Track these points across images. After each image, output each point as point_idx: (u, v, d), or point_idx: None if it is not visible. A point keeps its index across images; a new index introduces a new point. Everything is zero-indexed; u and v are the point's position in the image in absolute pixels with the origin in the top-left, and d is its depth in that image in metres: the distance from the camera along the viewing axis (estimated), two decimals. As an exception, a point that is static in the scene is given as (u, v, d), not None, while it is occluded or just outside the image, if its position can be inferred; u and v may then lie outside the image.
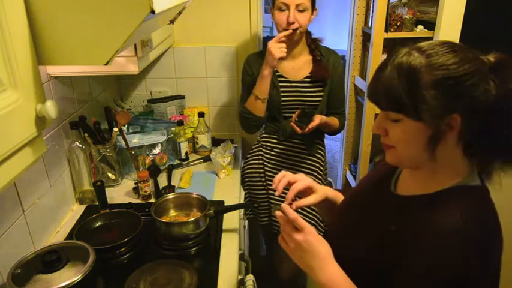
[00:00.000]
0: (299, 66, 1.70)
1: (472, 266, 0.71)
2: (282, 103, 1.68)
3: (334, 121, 1.73)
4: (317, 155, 1.81)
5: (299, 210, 1.72)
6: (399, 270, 0.76)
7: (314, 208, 1.74)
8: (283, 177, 1.04)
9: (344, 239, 0.95)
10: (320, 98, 1.69)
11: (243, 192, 1.80)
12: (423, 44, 0.77)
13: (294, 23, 1.55)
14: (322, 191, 1.05)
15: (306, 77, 1.69)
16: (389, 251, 0.79)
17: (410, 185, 0.87)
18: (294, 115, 1.60)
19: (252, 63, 1.74)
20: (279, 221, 0.87)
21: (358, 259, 0.86)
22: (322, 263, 0.83)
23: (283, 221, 0.86)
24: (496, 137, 0.76)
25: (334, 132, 1.79)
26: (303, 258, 0.85)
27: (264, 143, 1.82)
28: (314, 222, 1.74)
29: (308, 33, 1.69)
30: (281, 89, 1.68)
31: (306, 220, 1.72)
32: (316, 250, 0.83)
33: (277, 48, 1.51)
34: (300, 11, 1.55)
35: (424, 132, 0.76)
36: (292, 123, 1.57)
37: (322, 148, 1.85)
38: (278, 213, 0.87)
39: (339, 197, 1.11)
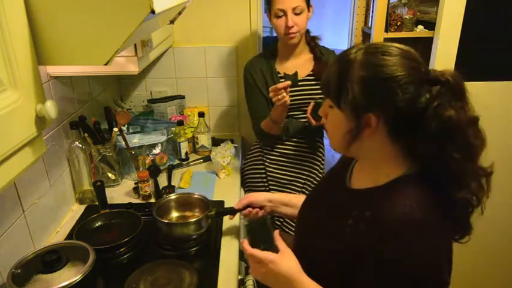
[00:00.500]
0: (300, 65, 1.70)
1: (431, 251, 0.74)
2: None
3: None
4: (318, 153, 1.81)
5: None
6: (360, 265, 0.78)
7: None
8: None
9: (305, 239, 0.97)
10: (322, 95, 1.69)
11: (243, 192, 1.80)
12: (379, 43, 0.82)
13: (293, 27, 1.55)
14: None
15: (308, 75, 1.69)
16: (348, 245, 0.81)
17: (361, 178, 0.90)
18: (309, 107, 1.60)
19: (253, 72, 1.72)
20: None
21: (326, 261, 0.88)
22: (291, 284, 0.86)
23: (246, 255, 0.93)
24: (423, 144, 0.78)
25: None
26: (273, 284, 0.90)
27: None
28: None
29: (307, 31, 1.69)
30: None
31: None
32: (281, 275, 0.86)
33: (280, 99, 1.49)
34: (297, 14, 1.55)
35: (344, 123, 0.81)
36: (308, 115, 1.57)
37: (322, 146, 1.85)
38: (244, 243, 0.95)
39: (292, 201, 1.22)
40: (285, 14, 1.54)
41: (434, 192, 0.78)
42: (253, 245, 0.92)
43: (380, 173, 0.84)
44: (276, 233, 0.94)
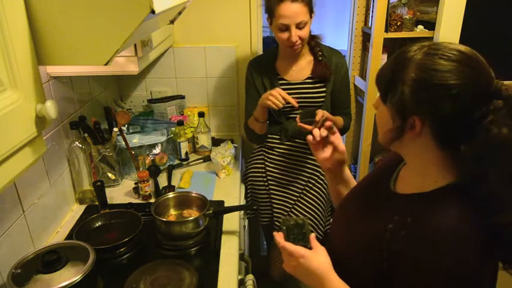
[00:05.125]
0: (300, 68, 1.69)
1: (472, 265, 0.71)
2: (285, 105, 1.67)
3: (338, 120, 1.71)
4: None
5: (301, 212, 1.72)
6: (394, 270, 0.76)
7: (316, 211, 1.74)
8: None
9: (343, 240, 0.95)
10: (323, 99, 1.68)
11: (243, 192, 1.80)
12: (444, 43, 0.77)
13: (296, 41, 1.52)
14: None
15: (308, 78, 1.68)
16: (385, 249, 0.79)
17: (407, 183, 0.88)
18: (297, 118, 1.57)
19: (253, 70, 1.72)
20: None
21: (357, 261, 0.87)
22: (320, 280, 0.85)
23: (279, 247, 0.91)
24: (465, 155, 0.73)
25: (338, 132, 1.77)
26: (303, 278, 0.89)
27: (266, 143, 1.82)
28: (313, 224, 1.74)
29: None
30: None
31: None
32: (311, 270, 0.85)
33: (274, 100, 1.50)
34: (301, 28, 1.51)
35: (388, 120, 0.80)
36: (299, 124, 1.55)
37: None
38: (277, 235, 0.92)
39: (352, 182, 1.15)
40: (288, 28, 1.50)
41: (481, 205, 0.74)
42: (287, 239, 0.91)
43: (428, 179, 0.81)
44: (312, 235, 0.92)
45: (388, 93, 0.78)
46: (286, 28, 1.51)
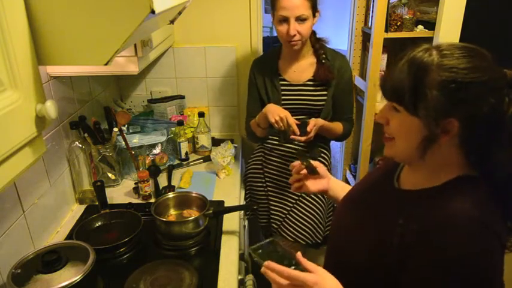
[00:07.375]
0: (302, 69, 1.67)
1: (484, 251, 0.71)
2: (283, 107, 1.65)
3: (336, 126, 1.68)
4: (320, 159, 1.76)
5: (300, 215, 1.72)
6: (406, 267, 0.75)
7: (315, 214, 1.73)
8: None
9: (345, 242, 0.94)
10: (323, 102, 1.66)
11: (243, 192, 1.80)
12: (444, 43, 0.76)
13: (295, 35, 1.51)
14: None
15: (309, 80, 1.66)
16: (396, 247, 0.78)
17: (412, 180, 0.87)
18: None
19: (256, 70, 1.72)
20: (272, 283, 0.80)
21: (360, 261, 0.85)
22: None
23: (277, 284, 0.79)
24: (499, 154, 0.75)
25: (337, 138, 1.75)
26: None
27: (266, 145, 1.81)
28: (310, 231, 1.73)
29: (312, 33, 1.64)
30: (282, 93, 1.66)
31: (303, 229, 1.71)
32: None
33: (277, 116, 1.50)
34: (301, 22, 1.50)
35: (419, 130, 0.76)
36: (292, 137, 1.52)
37: (327, 152, 1.80)
38: (264, 270, 0.81)
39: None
40: (288, 21, 1.50)
41: (493, 195, 0.76)
42: None
43: (436, 175, 0.81)
44: (299, 254, 0.83)
45: (417, 102, 0.73)
46: (286, 20, 1.50)
